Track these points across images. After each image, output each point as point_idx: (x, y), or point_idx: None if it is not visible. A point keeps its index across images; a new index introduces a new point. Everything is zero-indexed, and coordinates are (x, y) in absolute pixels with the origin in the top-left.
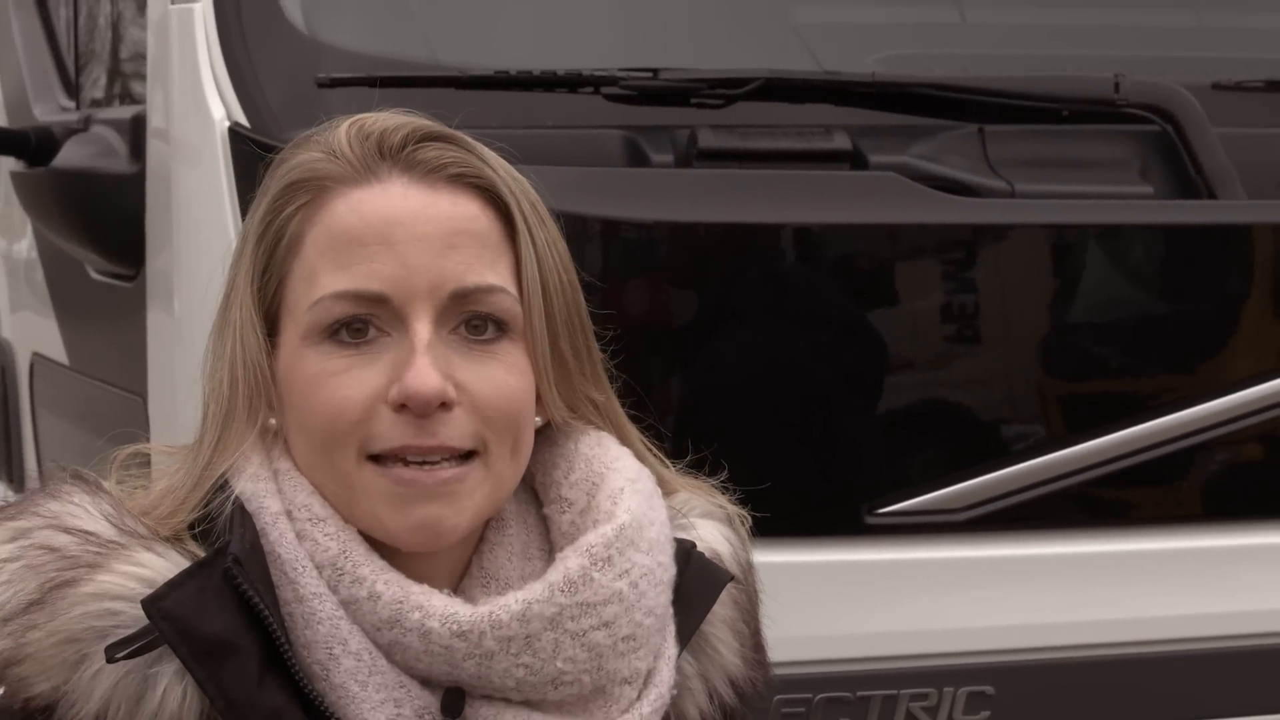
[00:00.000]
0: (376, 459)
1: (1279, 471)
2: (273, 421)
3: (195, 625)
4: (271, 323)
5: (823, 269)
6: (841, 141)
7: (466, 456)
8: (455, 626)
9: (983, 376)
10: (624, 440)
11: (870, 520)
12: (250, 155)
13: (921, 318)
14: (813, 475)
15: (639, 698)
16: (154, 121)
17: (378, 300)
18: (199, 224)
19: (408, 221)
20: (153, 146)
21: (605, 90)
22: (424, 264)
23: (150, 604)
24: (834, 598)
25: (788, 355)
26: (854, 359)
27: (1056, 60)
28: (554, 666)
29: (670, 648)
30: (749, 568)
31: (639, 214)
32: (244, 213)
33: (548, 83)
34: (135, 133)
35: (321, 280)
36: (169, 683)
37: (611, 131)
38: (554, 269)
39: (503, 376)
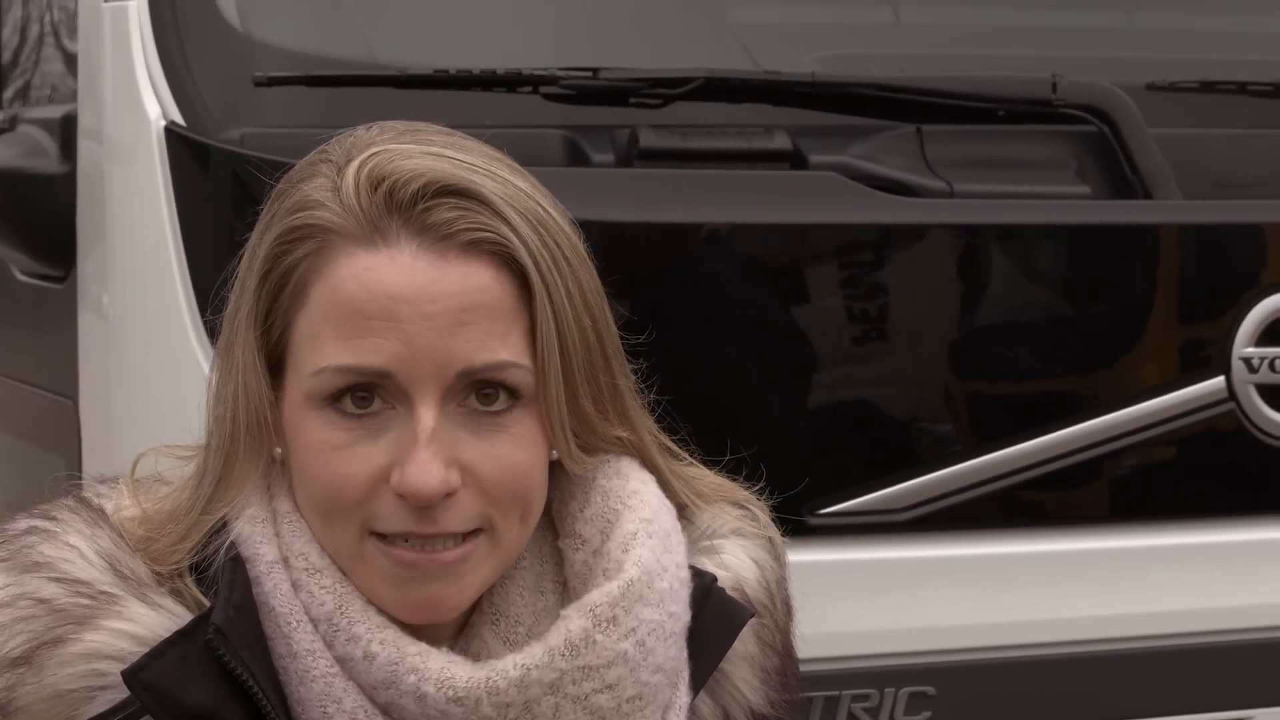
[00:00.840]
0: (376, 535)
1: (1218, 471)
2: (278, 450)
3: (177, 696)
4: (277, 362)
5: (765, 269)
6: (782, 141)
7: (472, 533)
8: (451, 692)
9: (924, 377)
10: (648, 465)
11: (812, 521)
12: (186, 155)
13: (863, 318)
14: (754, 476)
15: None
16: (85, 121)
17: (382, 375)
18: (133, 224)
19: (414, 300)
20: (84, 146)
21: (544, 90)
22: (430, 344)
23: (131, 675)
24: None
25: (728, 356)
26: (795, 359)
27: (990, 60)
28: None
29: (682, 697)
30: (780, 583)
31: (580, 214)
32: (181, 212)
33: (487, 82)
34: (65, 132)
35: (325, 348)
36: None
37: (552, 131)
38: (573, 324)
39: (510, 454)
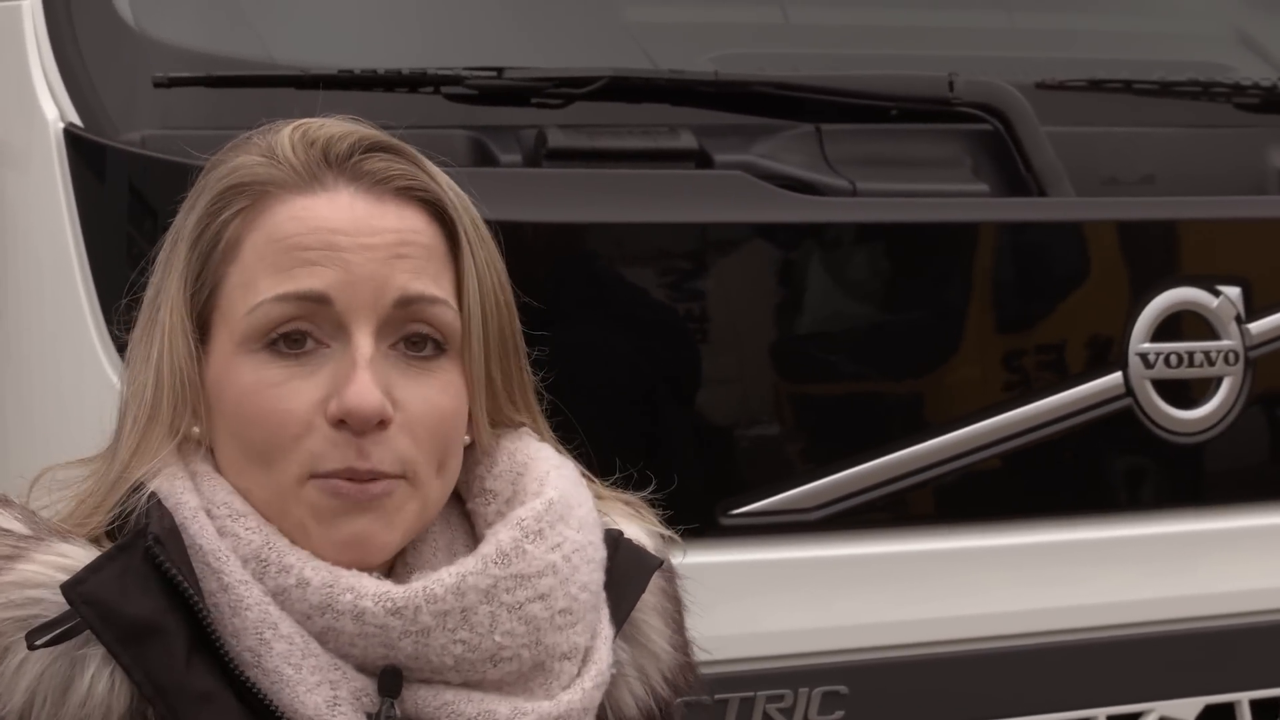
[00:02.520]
0: (317, 477)
1: (1117, 467)
2: (195, 430)
3: (118, 608)
4: (203, 329)
5: (678, 268)
6: (688, 141)
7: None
8: (390, 604)
9: (834, 375)
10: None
11: (723, 521)
12: (86, 157)
13: (771, 316)
14: (664, 477)
15: (579, 674)
16: None
17: (320, 303)
18: (29, 230)
19: (353, 230)
20: None
21: (448, 90)
22: (369, 271)
23: (70, 588)
24: (688, 600)
25: (639, 356)
26: (703, 359)
27: (882, 60)
28: (492, 641)
29: (606, 628)
30: (674, 573)
31: (492, 214)
32: (82, 215)
33: (391, 82)
34: None
35: (260, 285)
36: (96, 669)
37: (458, 131)
38: (492, 289)
39: (438, 396)
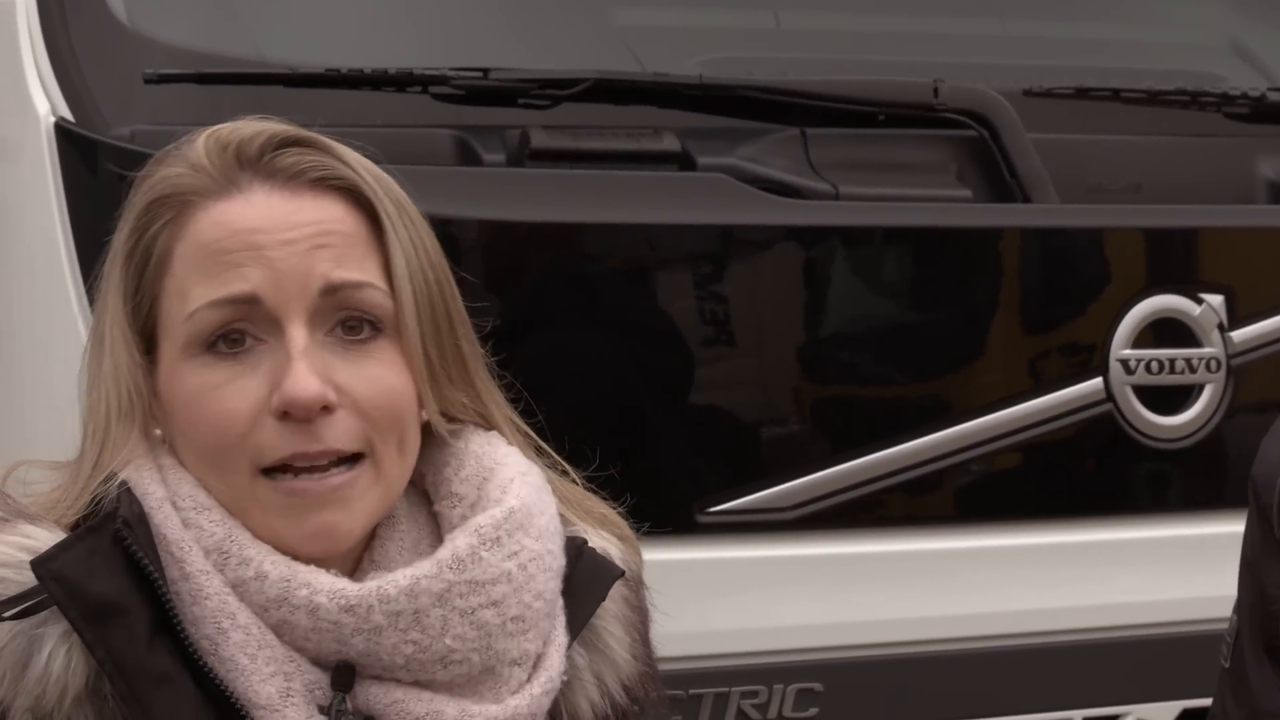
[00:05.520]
0: (268, 473)
1: (1097, 472)
2: (157, 431)
3: (84, 586)
4: (149, 341)
5: (658, 269)
6: (671, 143)
7: (354, 460)
8: (343, 601)
9: (813, 377)
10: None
11: (701, 519)
12: (77, 151)
13: (751, 318)
14: (642, 475)
15: (529, 680)
16: None
17: (250, 302)
18: (20, 224)
19: (272, 228)
20: None
21: (434, 90)
22: (292, 265)
23: (40, 564)
24: (665, 597)
25: (619, 356)
26: (684, 359)
27: (870, 65)
28: (442, 644)
29: (560, 635)
30: (639, 583)
31: (473, 213)
32: (71, 209)
33: (377, 81)
34: None
35: (193, 293)
36: (53, 647)
37: (443, 131)
38: (421, 268)
39: (381, 374)
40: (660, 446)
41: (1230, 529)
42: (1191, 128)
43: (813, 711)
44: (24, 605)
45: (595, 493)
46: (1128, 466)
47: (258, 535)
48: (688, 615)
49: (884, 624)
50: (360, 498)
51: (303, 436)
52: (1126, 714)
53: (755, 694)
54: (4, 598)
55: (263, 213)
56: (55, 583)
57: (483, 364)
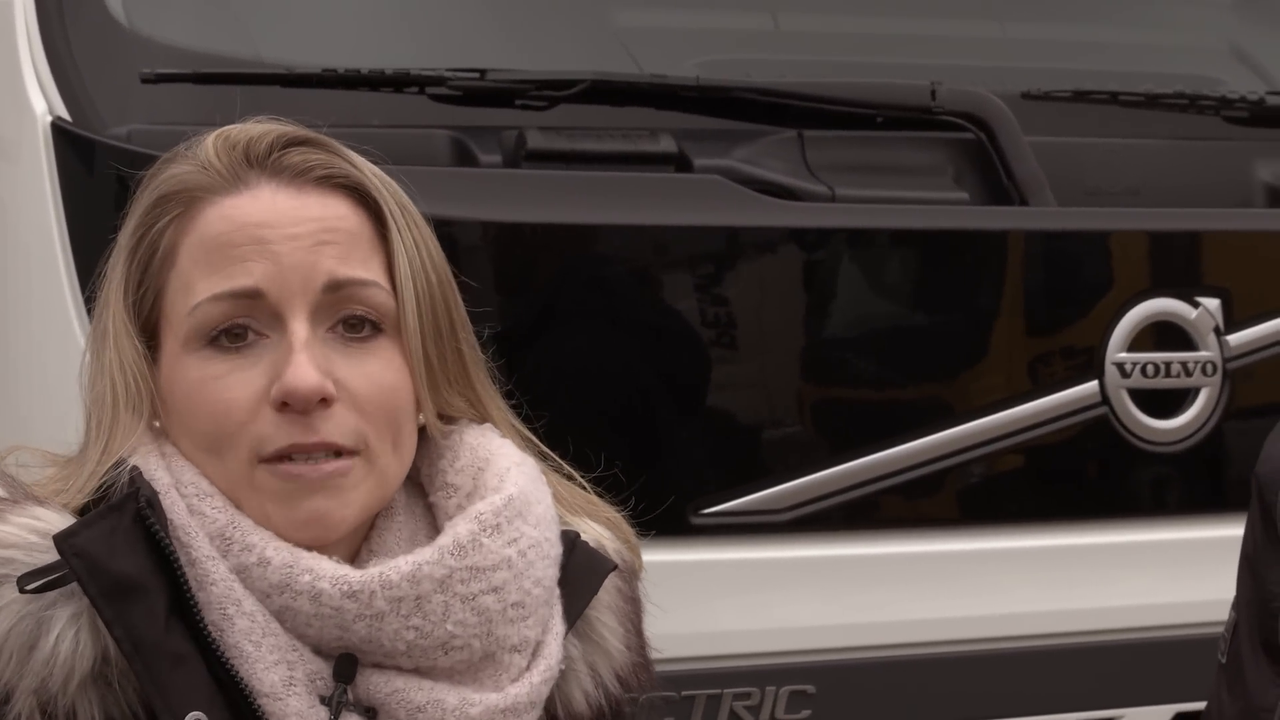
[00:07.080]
0: (265, 463)
1: (1092, 475)
2: (157, 424)
3: (105, 563)
4: (152, 335)
5: (653, 271)
6: (667, 145)
7: (349, 452)
8: (346, 587)
9: (808, 379)
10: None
11: (695, 520)
12: (74, 151)
13: (747, 319)
14: (637, 476)
15: (529, 667)
16: None
17: (254, 296)
18: (17, 221)
19: (278, 223)
20: None
21: (431, 90)
22: (297, 260)
23: (63, 539)
24: (659, 598)
25: (613, 356)
26: (679, 360)
27: (867, 68)
28: (444, 629)
29: (558, 624)
30: (633, 574)
31: (469, 214)
32: (68, 209)
33: (374, 82)
34: None
35: (197, 287)
36: (62, 629)
37: (440, 131)
38: (424, 269)
39: (380, 372)
40: (654, 448)
41: (1225, 532)
42: (1189, 131)
43: (805, 713)
44: (45, 580)
45: (599, 495)
46: (1122, 470)
47: (254, 518)
48: (680, 616)
49: (877, 626)
50: (353, 488)
51: (299, 428)
52: (1120, 717)
53: (748, 695)
54: (10, 580)
55: (268, 208)
56: (77, 558)
57: (483, 368)
